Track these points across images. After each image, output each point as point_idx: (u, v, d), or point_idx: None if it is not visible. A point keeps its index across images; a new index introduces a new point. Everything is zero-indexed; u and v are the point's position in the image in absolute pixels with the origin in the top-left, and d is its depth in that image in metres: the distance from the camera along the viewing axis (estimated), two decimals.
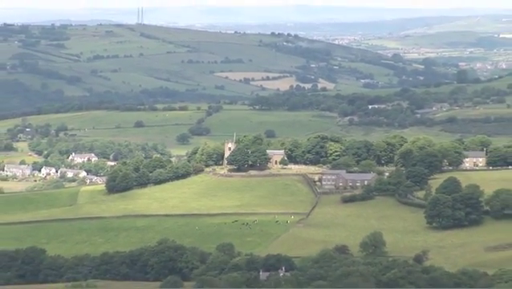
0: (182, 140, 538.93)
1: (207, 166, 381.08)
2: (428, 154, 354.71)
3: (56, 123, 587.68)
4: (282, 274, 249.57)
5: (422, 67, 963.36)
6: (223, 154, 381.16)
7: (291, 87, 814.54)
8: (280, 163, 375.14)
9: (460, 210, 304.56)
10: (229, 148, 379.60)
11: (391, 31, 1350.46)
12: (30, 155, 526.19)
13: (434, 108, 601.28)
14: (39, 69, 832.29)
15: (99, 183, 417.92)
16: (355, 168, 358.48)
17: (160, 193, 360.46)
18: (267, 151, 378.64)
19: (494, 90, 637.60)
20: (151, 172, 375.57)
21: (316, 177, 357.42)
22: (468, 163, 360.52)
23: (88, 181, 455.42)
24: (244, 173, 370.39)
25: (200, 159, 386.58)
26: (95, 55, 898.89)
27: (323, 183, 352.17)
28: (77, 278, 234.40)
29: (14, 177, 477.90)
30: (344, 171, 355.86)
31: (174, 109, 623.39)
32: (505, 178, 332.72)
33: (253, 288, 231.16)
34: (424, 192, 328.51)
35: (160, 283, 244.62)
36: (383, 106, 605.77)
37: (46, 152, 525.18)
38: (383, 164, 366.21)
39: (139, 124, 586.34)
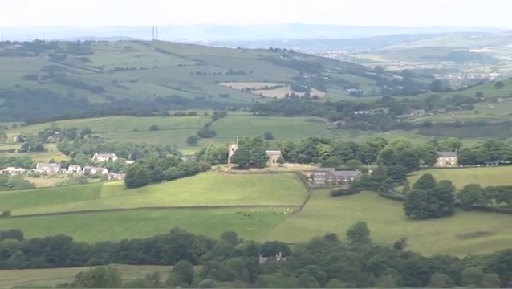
0: (191, 141, 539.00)
1: (213, 164, 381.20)
2: (407, 154, 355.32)
3: (81, 127, 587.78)
4: (278, 259, 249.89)
5: (401, 77, 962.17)
6: (227, 154, 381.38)
7: (287, 95, 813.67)
8: (277, 162, 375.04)
9: (434, 203, 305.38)
10: (233, 149, 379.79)
11: (374, 47, 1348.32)
12: (59, 155, 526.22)
13: (412, 114, 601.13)
14: (66, 80, 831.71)
15: (119, 179, 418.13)
16: (343, 166, 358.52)
17: (173, 188, 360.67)
18: (266, 151, 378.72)
19: (464, 98, 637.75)
20: (164, 169, 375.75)
21: (308, 174, 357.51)
22: (441, 162, 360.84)
23: (109, 178, 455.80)
24: (245, 171, 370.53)
25: (207, 158, 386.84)
26: (116, 68, 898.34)
27: (315, 179, 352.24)
28: (99, 263, 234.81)
29: (45, 174, 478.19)
30: (333, 169, 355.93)
31: (184, 115, 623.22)
32: (474, 175, 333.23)
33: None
34: (402, 187, 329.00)
35: (172, 267, 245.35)
36: (367, 112, 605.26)
37: (72, 152, 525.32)
38: (367, 163, 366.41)
39: (154, 128, 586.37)
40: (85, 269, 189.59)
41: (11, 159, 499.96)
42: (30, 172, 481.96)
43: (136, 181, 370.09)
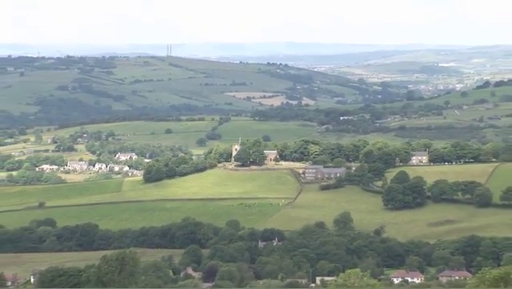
0: (200, 143, 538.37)
1: (219, 162, 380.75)
2: (385, 153, 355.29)
3: (106, 130, 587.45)
4: (275, 244, 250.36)
5: (380, 88, 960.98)
6: (231, 153, 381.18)
7: (282, 103, 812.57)
8: (274, 160, 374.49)
9: (408, 196, 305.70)
10: (236, 149, 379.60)
11: (357, 61, 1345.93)
12: (87, 154, 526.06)
13: (389, 119, 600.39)
14: (93, 90, 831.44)
15: (138, 175, 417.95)
16: (330, 164, 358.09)
17: (184, 183, 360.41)
18: (264, 151, 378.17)
19: (434, 105, 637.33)
20: (177, 167, 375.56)
21: (301, 171, 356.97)
22: (414, 160, 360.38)
23: (130, 174, 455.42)
24: (247, 168, 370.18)
25: (213, 157, 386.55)
26: (135, 80, 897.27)
27: (306, 175, 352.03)
28: (121, 247, 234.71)
29: (75, 171, 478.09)
30: (322, 166, 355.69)
31: (194, 120, 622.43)
32: (443, 172, 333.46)
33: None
34: (381, 182, 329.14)
35: (183, 250, 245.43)
36: (350, 117, 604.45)
37: (98, 152, 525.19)
38: (351, 161, 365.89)
39: (168, 131, 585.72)
40: (109, 252, 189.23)
41: (46, 158, 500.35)
42: (62, 169, 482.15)
43: (152, 176, 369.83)
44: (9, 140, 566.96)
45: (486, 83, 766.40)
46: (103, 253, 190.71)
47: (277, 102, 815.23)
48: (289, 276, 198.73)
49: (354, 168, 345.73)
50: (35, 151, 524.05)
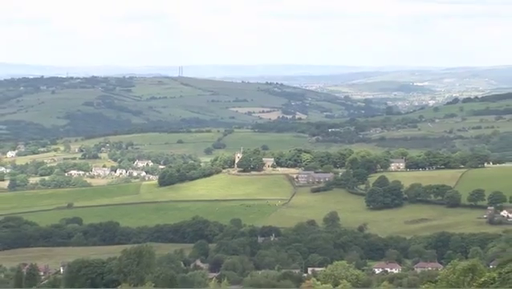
0: (208, 151, 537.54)
1: (224, 168, 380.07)
2: (367, 161, 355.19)
3: (126, 140, 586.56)
4: (272, 239, 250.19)
5: (363, 104, 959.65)
6: (234, 160, 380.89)
7: (278, 117, 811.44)
8: (271, 166, 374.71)
9: (388, 197, 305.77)
10: (238, 157, 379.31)
11: (343, 81, 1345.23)
12: (109, 161, 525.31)
13: (371, 131, 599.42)
14: (115, 106, 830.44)
15: (154, 180, 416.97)
16: (320, 170, 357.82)
17: (193, 186, 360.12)
18: (263, 158, 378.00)
19: (410, 119, 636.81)
20: (187, 172, 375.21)
21: (295, 176, 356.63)
22: (393, 166, 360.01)
23: (147, 178, 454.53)
24: (248, 173, 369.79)
25: (219, 164, 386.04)
26: (151, 97, 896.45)
27: (299, 179, 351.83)
28: (139, 241, 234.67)
29: (99, 176, 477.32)
30: (313, 172, 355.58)
31: (202, 132, 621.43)
32: (417, 176, 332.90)
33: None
34: (364, 185, 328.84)
35: (193, 245, 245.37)
36: (338, 129, 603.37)
37: (119, 160, 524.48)
38: (338, 167, 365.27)
39: (179, 141, 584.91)
40: (129, 246, 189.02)
41: (74, 165, 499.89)
42: (87, 174, 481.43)
43: (166, 181, 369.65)
44: (42, 149, 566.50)
45: (455, 100, 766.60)
46: (124, 247, 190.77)
47: (274, 116, 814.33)
48: (284, 267, 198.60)
49: (340, 174, 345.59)
50: (64, 159, 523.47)
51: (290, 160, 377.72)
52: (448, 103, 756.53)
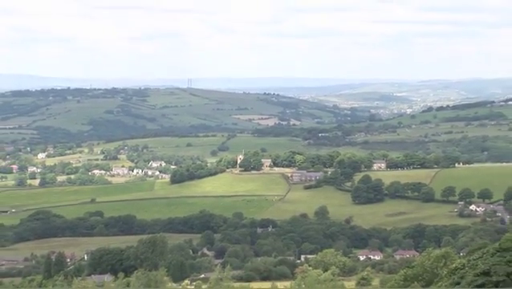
0: (213, 153, 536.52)
1: (227, 168, 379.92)
2: (353, 161, 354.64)
3: (142, 144, 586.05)
4: (269, 230, 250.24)
5: (349, 112, 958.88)
6: (236, 161, 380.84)
7: (275, 123, 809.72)
8: (269, 166, 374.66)
9: (371, 193, 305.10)
10: (240, 158, 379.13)
11: (331, 92, 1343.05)
12: (127, 162, 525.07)
13: (356, 135, 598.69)
14: (132, 113, 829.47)
15: (166, 178, 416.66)
16: (311, 169, 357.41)
17: (201, 184, 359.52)
18: (261, 160, 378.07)
19: (390, 125, 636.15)
20: (195, 171, 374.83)
21: (289, 175, 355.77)
22: (375, 166, 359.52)
23: (160, 177, 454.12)
24: (248, 172, 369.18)
25: (223, 164, 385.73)
26: (164, 106, 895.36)
27: (293, 178, 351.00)
28: (153, 232, 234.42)
29: (118, 175, 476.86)
30: (305, 171, 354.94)
31: (208, 136, 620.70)
32: (397, 175, 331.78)
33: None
34: (350, 183, 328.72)
35: (200, 235, 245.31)
36: (327, 134, 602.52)
37: (136, 160, 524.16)
38: (327, 167, 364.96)
39: (189, 145, 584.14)
40: (144, 236, 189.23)
41: (96, 165, 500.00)
42: (108, 173, 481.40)
43: (177, 179, 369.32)
44: (68, 152, 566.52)
45: (430, 108, 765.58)
46: (140, 237, 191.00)
47: (271, 122, 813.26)
48: (280, 254, 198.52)
49: (329, 173, 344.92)
50: (88, 160, 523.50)
51: (285, 160, 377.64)
52: (423, 112, 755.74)
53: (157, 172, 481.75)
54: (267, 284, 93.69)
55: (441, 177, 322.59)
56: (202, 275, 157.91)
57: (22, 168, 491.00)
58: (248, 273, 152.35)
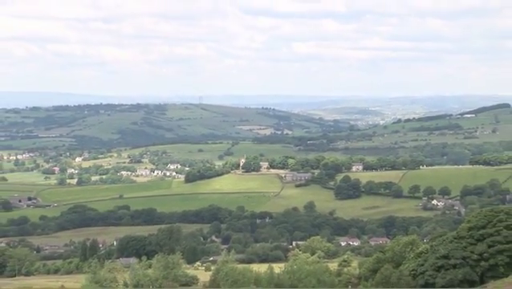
0: (220, 157, 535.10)
1: (232, 170, 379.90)
2: (335, 164, 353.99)
3: (161, 149, 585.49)
4: (267, 221, 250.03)
5: (333, 123, 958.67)
6: (239, 164, 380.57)
7: (271, 133, 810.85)
8: (266, 168, 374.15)
9: (350, 190, 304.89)
10: (242, 161, 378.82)
11: (318, 106, 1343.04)
12: (149, 164, 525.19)
13: (338, 142, 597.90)
14: (153, 124, 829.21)
15: (181, 178, 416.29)
16: (301, 171, 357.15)
17: (210, 183, 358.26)
18: (260, 162, 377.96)
19: (366, 134, 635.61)
20: (206, 172, 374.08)
21: (283, 175, 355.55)
22: (354, 168, 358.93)
23: (176, 177, 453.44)
24: (249, 173, 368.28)
25: (228, 166, 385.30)
26: (180, 118, 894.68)
27: (287, 178, 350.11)
28: (171, 222, 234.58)
29: (142, 175, 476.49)
30: (296, 172, 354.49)
31: (216, 143, 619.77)
32: (371, 176, 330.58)
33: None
34: (333, 182, 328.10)
35: (209, 225, 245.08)
36: (314, 141, 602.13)
37: (156, 163, 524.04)
38: (314, 169, 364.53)
39: (200, 150, 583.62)
40: (163, 226, 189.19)
41: (123, 167, 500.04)
42: (133, 174, 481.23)
43: (190, 178, 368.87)
44: (100, 156, 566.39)
45: (399, 120, 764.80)
46: (159, 226, 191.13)
47: (268, 132, 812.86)
48: (275, 241, 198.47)
49: (316, 174, 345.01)
50: (117, 163, 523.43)
51: (279, 163, 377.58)
52: (393, 123, 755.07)
53: (174, 173, 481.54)
54: (265, 266, 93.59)
55: (408, 177, 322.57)
56: (211, 258, 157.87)
57: (63, 170, 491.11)
58: (249, 256, 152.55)
